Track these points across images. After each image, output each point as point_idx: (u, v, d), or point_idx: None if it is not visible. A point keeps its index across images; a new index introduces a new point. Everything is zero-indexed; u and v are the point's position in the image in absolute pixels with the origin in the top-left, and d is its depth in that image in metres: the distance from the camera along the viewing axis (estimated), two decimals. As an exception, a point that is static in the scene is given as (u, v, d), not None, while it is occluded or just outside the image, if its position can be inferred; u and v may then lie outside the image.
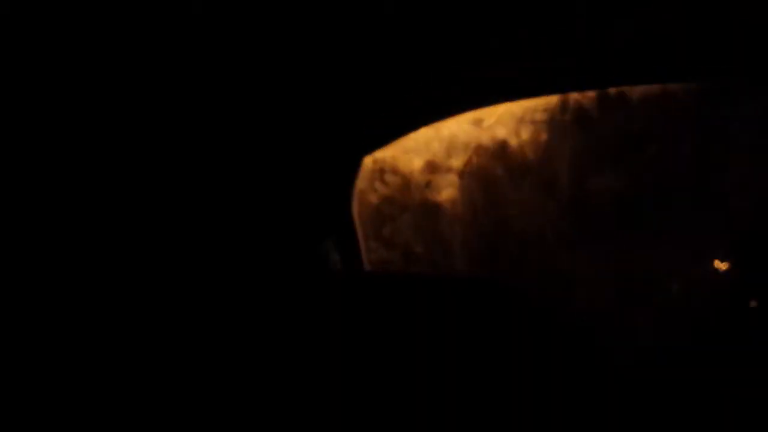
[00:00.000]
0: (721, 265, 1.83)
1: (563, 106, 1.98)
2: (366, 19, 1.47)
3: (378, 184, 1.98)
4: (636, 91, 1.96)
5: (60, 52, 1.20)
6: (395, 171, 1.99)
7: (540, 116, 1.98)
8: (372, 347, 1.19)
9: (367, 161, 1.93)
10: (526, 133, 2.00)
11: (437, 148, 1.99)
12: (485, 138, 2.00)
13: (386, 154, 1.96)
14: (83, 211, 1.28)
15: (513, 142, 2.00)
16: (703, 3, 1.62)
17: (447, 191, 2.01)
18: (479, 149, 2.00)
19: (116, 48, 1.25)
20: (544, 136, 1.99)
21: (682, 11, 1.64)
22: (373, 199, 1.98)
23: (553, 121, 1.97)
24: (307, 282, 1.39)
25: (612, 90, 1.96)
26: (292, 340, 1.19)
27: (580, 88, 1.96)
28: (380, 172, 1.97)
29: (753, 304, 1.76)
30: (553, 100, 1.97)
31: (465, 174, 2.00)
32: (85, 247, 1.27)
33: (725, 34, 1.66)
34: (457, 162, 1.99)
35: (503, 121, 1.99)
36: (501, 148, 2.00)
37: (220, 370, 1.16)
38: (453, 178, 2.00)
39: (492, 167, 2.00)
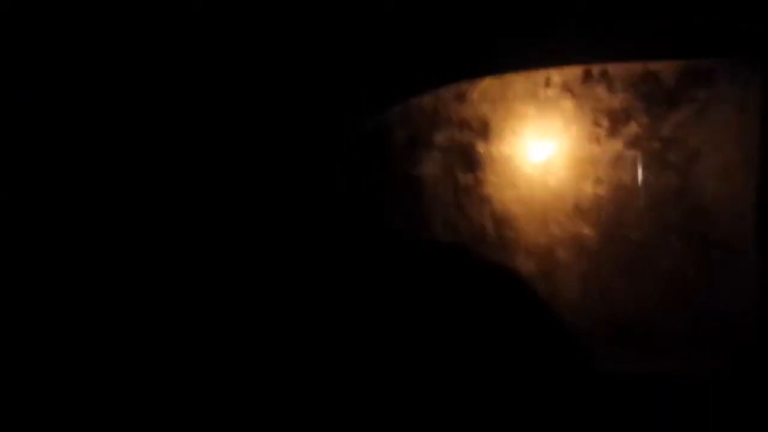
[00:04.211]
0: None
1: (547, 81, 1.98)
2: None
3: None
4: (618, 68, 1.97)
5: (59, 51, 1.14)
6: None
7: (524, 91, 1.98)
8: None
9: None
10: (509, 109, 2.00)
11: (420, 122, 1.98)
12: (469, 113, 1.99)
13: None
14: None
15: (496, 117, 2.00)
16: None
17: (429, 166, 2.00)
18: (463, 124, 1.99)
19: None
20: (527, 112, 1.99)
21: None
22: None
23: (537, 97, 1.98)
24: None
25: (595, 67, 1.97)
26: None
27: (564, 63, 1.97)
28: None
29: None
30: (536, 74, 1.97)
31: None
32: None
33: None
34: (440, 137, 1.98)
35: (487, 97, 1.99)
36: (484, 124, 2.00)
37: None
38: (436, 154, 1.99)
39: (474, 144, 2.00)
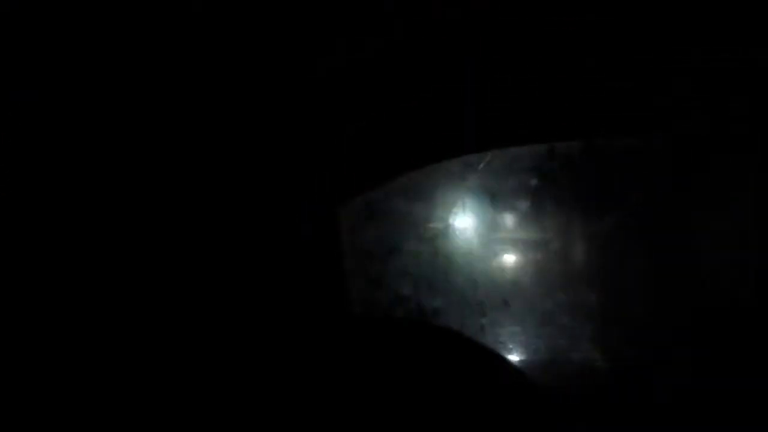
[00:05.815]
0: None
1: (550, 154, 2.02)
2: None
3: (368, 224, 2.00)
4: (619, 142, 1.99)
5: (59, 51, 1.22)
6: (387, 212, 2.01)
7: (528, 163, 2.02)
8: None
9: (359, 201, 1.96)
10: (515, 180, 2.04)
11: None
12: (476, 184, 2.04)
13: (379, 195, 2.00)
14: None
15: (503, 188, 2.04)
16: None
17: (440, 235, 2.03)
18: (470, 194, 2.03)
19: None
20: (533, 182, 2.02)
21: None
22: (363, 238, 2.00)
23: (541, 169, 2.02)
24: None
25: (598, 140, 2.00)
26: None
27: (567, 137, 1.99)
28: (371, 212, 2.00)
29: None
30: (540, 148, 2.02)
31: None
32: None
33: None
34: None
35: (493, 168, 2.04)
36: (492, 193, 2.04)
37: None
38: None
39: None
